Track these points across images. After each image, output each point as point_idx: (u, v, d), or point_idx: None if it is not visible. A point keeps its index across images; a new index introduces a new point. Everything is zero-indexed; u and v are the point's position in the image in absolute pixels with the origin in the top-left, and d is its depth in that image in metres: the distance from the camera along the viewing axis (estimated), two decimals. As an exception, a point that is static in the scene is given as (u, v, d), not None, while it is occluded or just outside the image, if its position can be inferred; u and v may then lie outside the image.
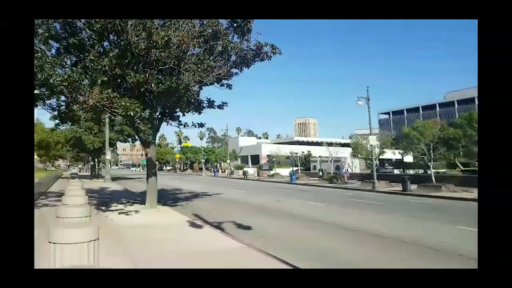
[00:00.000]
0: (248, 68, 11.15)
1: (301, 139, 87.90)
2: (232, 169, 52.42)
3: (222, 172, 57.56)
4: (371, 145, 25.03)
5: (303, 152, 48.64)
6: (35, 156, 58.51)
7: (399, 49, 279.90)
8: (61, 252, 2.32)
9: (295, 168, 42.10)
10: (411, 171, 41.58)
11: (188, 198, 16.19)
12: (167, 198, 15.35)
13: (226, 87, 11.47)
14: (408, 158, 47.67)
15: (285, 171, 43.29)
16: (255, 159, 64.87)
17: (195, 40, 8.97)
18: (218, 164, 71.91)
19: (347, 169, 37.28)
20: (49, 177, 25.81)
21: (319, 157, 46.66)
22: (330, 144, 44.55)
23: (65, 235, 2.35)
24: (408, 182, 18.78)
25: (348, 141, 50.30)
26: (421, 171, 40.20)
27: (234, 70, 11.08)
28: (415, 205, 13.65)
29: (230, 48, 10.06)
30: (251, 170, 50.34)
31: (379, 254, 6.15)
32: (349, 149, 42.27)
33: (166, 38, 8.18)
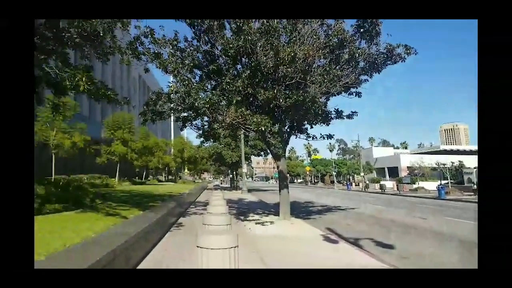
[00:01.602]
0: (379, 73, 10.44)
1: (449, 147, 77.10)
2: (367, 182, 49.54)
3: (355, 185, 55.06)
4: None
5: (453, 162, 41.88)
6: (186, 170, 69.45)
7: None
8: (206, 256, 2.53)
9: (443, 182, 36.67)
10: None
11: (320, 211, 15.97)
12: (300, 210, 15.49)
13: (355, 96, 11.02)
14: None
15: (430, 185, 38.15)
16: (393, 172, 59.80)
17: (320, 51, 8.96)
18: (350, 177, 69.28)
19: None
20: (197, 189, 29.91)
21: (474, 168, 39.44)
22: (488, 152, 37.16)
23: (210, 241, 2.56)
24: None
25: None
26: None
27: (362, 77, 10.54)
28: None
29: (357, 54, 9.64)
30: (389, 184, 46.38)
31: None
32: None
33: (292, 54, 8.45)
